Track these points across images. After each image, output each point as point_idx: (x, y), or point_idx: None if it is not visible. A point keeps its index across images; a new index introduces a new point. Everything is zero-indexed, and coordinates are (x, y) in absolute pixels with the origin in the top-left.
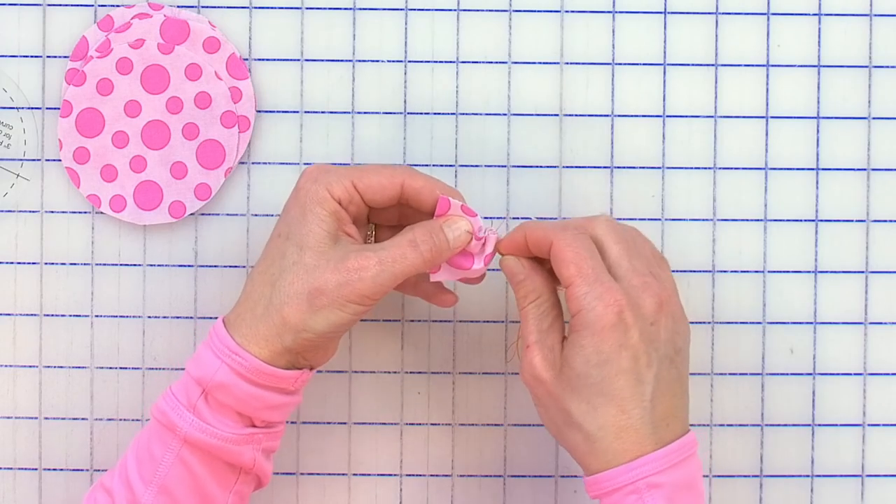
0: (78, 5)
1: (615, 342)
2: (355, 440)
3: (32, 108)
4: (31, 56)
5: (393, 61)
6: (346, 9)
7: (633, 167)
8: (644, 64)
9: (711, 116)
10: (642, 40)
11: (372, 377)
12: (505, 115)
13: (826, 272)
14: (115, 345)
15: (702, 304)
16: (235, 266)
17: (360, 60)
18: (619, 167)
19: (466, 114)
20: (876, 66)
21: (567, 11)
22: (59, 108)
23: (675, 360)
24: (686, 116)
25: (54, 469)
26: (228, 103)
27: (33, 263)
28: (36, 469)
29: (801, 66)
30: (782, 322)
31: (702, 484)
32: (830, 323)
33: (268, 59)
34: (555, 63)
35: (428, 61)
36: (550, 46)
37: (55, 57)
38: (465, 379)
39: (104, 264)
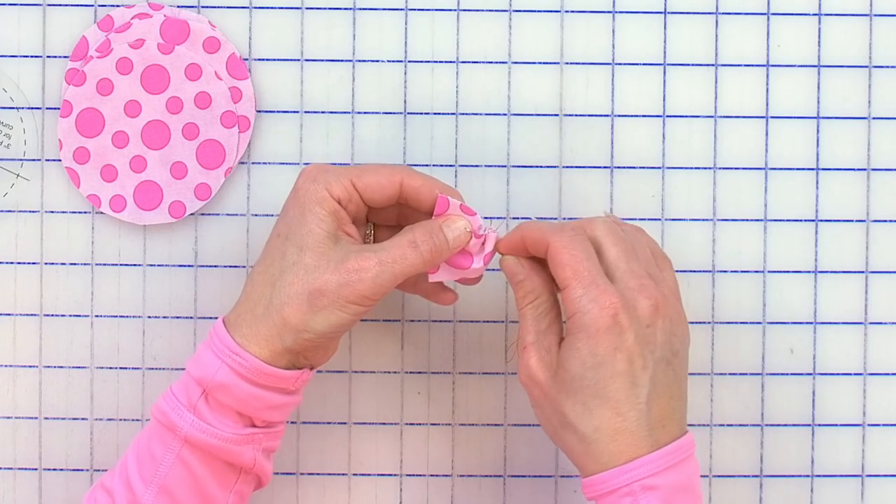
0: (78, 5)
1: (610, 345)
2: (355, 440)
3: (32, 108)
4: (31, 56)
5: (393, 61)
6: (346, 9)
7: (633, 167)
8: (644, 64)
9: (711, 116)
10: (642, 40)
11: (372, 377)
12: (505, 115)
13: (826, 272)
14: (115, 345)
15: (702, 304)
16: (235, 266)
17: (360, 60)
18: (619, 167)
19: (466, 114)
20: (876, 66)
21: (567, 11)
22: (59, 108)
23: (672, 363)
24: (686, 116)
25: (54, 469)
26: (228, 103)
27: (33, 263)
28: (36, 469)
29: (801, 66)
30: (782, 322)
31: (699, 486)
32: (830, 323)
33: (268, 59)
34: (555, 63)
35: (428, 61)
36: (550, 46)
37: (55, 57)
38: (465, 379)
39: (104, 264)
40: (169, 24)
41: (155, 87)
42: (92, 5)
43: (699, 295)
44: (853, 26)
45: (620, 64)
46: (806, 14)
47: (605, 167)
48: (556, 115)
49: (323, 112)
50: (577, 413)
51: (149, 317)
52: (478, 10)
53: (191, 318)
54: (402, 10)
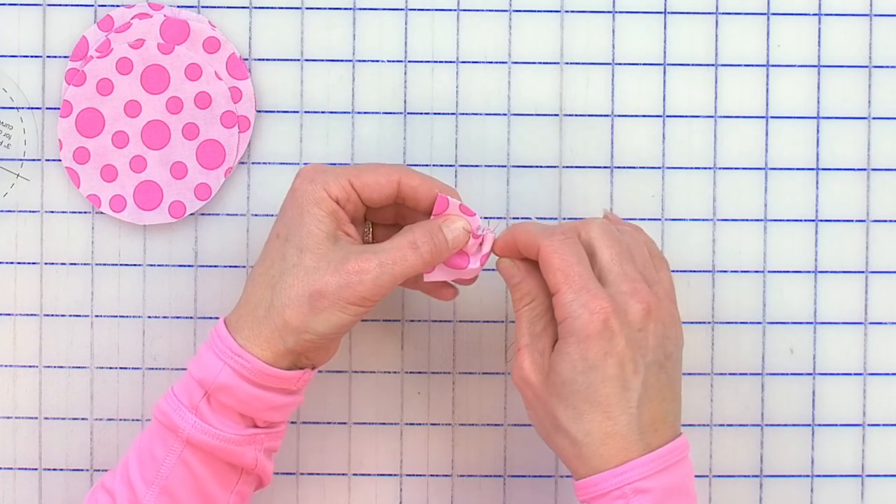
0: (78, 5)
1: (601, 350)
2: (355, 440)
3: (32, 108)
4: (31, 56)
5: (393, 61)
6: (346, 9)
7: (633, 167)
8: (644, 64)
9: (711, 116)
10: (642, 40)
11: (372, 377)
12: (505, 115)
13: (826, 272)
14: (115, 345)
15: (702, 304)
16: (235, 266)
17: (360, 60)
18: (619, 167)
19: (466, 114)
20: (876, 66)
21: (567, 11)
22: (59, 108)
23: (664, 366)
24: (686, 116)
25: (54, 469)
26: (228, 103)
27: (33, 263)
28: (36, 469)
29: (801, 66)
30: (782, 322)
31: (693, 487)
32: (830, 323)
33: (268, 59)
34: (555, 63)
35: (428, 61)
36: (550, 46)
37: (55, 57)
38: (465, 379)
39: (104, 264)
40: (169, 24)
41: (155, 87)
42: (92, 5)
43: (699, 295)
44: (853, 26)
45: (620, 64)
46: (806, 14)
47: (605, 167)
48: (556, 115)
49: (323, 112)
50: (569, 417)
51: (149, 317)
52: (478, 10)
53: (191, 318)
54: (402, 10)
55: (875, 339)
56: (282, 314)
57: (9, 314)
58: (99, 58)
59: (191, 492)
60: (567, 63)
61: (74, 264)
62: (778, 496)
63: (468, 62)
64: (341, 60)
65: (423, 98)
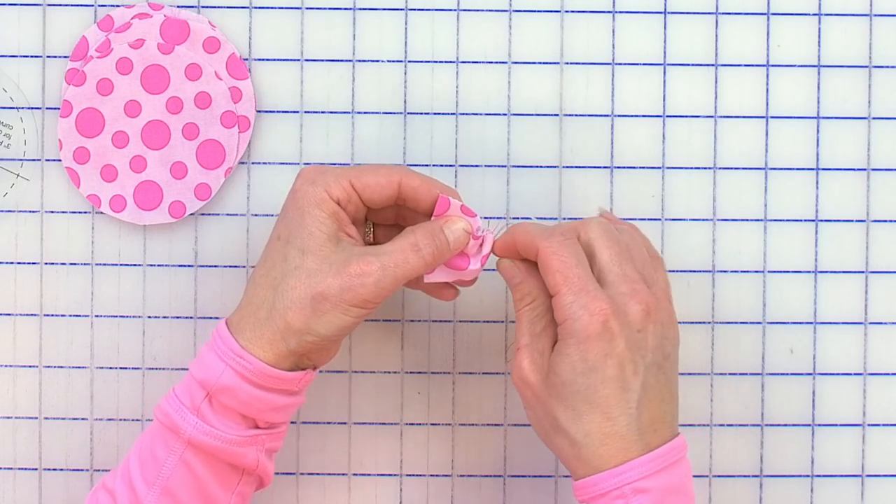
0: (78, 5)
1: (600, 351)
2: (355, 440)
3: (32, 108)
4: (31, 56)
5: (393, 61)
6: (346, 9)
7: (633, 167)
8: (644, 64)
9: (711, 116)
10: (642, 40)
11: (372, 377)
12: (505, 115)
13: (826, 272)
14: (115, 345)
15: (702, 304)
16: (235, 266)
17: (360, 60)
18: (619, 167)
19: (466, 114)
20: (876, 66)
21: (567, 11)
22: (59, 108)
23: (663, 366)
24: (686, 116)
25: (54, 469)
26: (228, 103)
27: (33, 263)
28: (36, 469)
29: (801, 66)
30: (782, 322)
31: (692, 487)
32: (830, 323)
33: (268, 59)
34: (555, 63)
35: (428, 61)
36: (550, 46)
37: (55, 57)
38: (465, 379)
39: (104, 264)
40: (169, 24)
41: (155, 87)
42: (92, 5)
43: (699, 295)
44: (853, 26)
45: (620, 64)
46: (806, 14)
47: (605, 167)
48: (556, 115)
49: (323, 112)
50: (568, 417)
51: (149, 317)
52: (478, 10)
53: (191, 318)
54: (402, 10)
55: (875, 339)
56: (284, 316)
57: (9, 314)
58: (99, 58)
59: (192, 492)
60: (567, 63)
61: (74, 264)
62: (778, 496)
63: (468, 62)
64: (341, 60)
65: (423, 98)
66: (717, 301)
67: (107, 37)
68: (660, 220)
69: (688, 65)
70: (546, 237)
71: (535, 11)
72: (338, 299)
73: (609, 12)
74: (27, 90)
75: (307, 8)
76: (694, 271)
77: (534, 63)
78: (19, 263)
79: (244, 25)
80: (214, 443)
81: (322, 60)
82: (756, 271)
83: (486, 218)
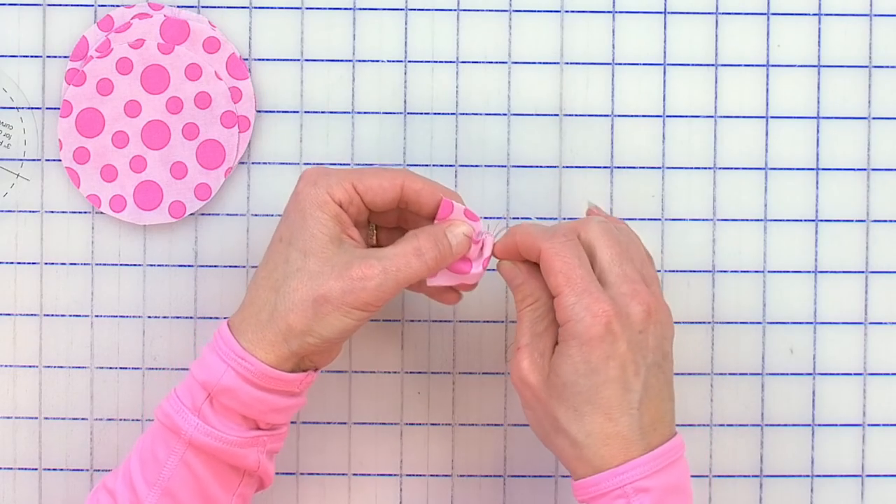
0: (78, 5)
1: (603, 353)
2: (355, 440)
3: (32, 108)
4: (31, 56)
5: (393, 61)
6: (346, 9)
7: (633, 167)
8: (644, 64)
9: (711, 116)
10: (642, 40)
11: (372, 377)
12: (505, 115)
13: (826, 272)
14: (115, 345)
15: (702, 304)
16: (235, 266)
17: (360, 60)
18: (619, 167)
19: (466, 114)
20: (876, 66)
21: (567, 11)
22: (59, 108)
23: (662, 366)
24: (686, 116)
25: (54, 469)
26: (228, 103)
27: (33, 263)
28: (36, 469)
29: (801, 66)
30: (782, 322)
31: (690, 486)
32: (830, 323)
33: (268, 59)
34: (555, 63)
35: (428, 61)
36: (550, 46)
37: (55, 57)
38: (465, 379)
39: (104, 264)
40: (169, 24)
41: (155, 87)
42: (92, 5)
43: (699, 295)
44: (853, 26)
45: (620, 64)
46: (806, 14)
47: (605, 167)
48: (556, 115)
49: (323, 112)
50: (569, 418)
51: (149, 317)
52: (478, 10)
53: (191, 318)
54: (402, 10)
55: (875, 339)
56: (286, 318)
57: (9, 314)
58: (99, 58)
59: (193, 493)
60: (567, 63)
61: (74, 264)
62: (778, 496)
63: (468, 62)
64: (341, 60)
65: (423, 98)
66: (717, 301)
67: (107, 37)
68: (660, 220)
69: (688, 65)
70: (548, 238)
71: (535, 11)
72: (339, 302)
73: (609, 12)
74: (27, 90)
75: (307, 8)
76: (694, 271)
77: (534, 63)
78: (19, 263)
79: (244, 25)
80: (215, 444)
81: (322, 60)
82: (756, 271)
83: (486, 218)
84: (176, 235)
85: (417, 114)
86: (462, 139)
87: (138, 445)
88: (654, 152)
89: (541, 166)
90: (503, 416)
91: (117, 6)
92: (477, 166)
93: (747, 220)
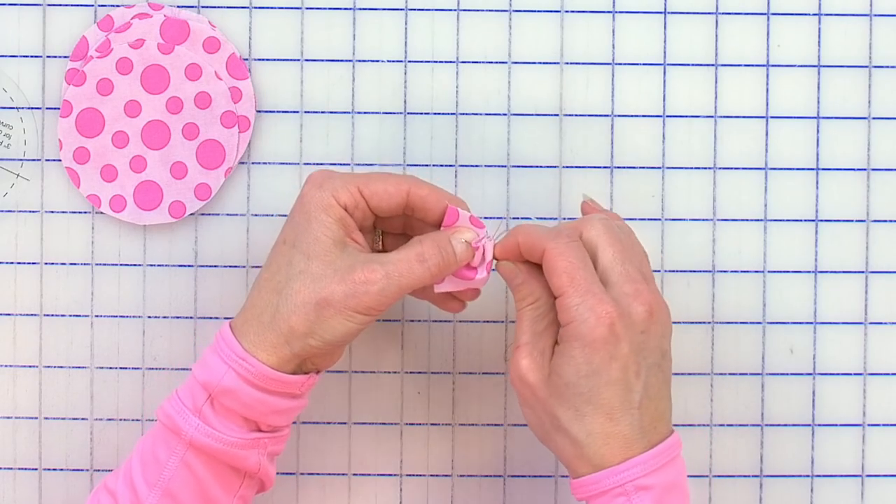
0: (78, 5)
1: (606, 354)
2: (355, 440)
3: (32, 108)
4: (31, 56)
5: (393, 61)
6: (346, 9)
7: (633, 167)
8: (644, 64)
9: (711, 116)
10: (642, 40)
11: (372, 377)
12: (505, 115)
13: (826, 272)
14: (115, 345)
15: (702, 304)
16: (235, 266)
17: (360, 60)
18: (619, 167)
19: (466, 114)
20: (876, 66)
21: (567, 11)
22: (59, 108)
23: (661, 365)
24: (686, 116)
25: (54, 469)
26: (228, 103)
27: (33, 263)
28: (36, 469)
29: (801, 66)
30: (782, 322)
31: (687, 484)
32: (830, 323)
33: (268, 59)
34: (555, 63)
35: (428, 61)
36: (550, 46)
37: (55, 57)
38: (465, 379)
39: (104, 264)
40: (169, 24)
41: (155, 87)
42: (92, 5)
43: (699, 295)
44: (853, 26)
45: (620, 64)
46: (806, 14)
47: (605, 167)
48: (556, 115)
49: (323, 112)
50: (570, 417)
51: (149, 317)
52: (478, 10)
53: (191, 318)
54: (402, 10)
55: (875, 339)
56: (288, 320)
57: (9, 314)
58: (99, 58)
59: (193, 495)
60: (567, 63)
61: (74, 264)
62: (778, 496)
63: (468, 62)
64: (341, 60)
65: (423, 98)
66: (717, 301)
67: (107, 37)
68: (660, 220)
69: (688, 65)
70: (552, 238)
71: (535, 11)
72: (341, 305)
73: (609, 12)
74: (27, 90)
75: (307, 8)
76: (694, 271)
77: (534, 63)
78: (19, 263)
79: (244, 25)
80: (216, 445)
81: (322, 60)
82: (756, 271)
83: (486, 218)
84: (176, 235)
85: (417, 114)
86: (462, 139)
87: (139, 446)
88: (654, 152)
89: (541, 166)
90: (503, 416)
91: (117, 6)
92: (477, 166)
93: (747, 220)
